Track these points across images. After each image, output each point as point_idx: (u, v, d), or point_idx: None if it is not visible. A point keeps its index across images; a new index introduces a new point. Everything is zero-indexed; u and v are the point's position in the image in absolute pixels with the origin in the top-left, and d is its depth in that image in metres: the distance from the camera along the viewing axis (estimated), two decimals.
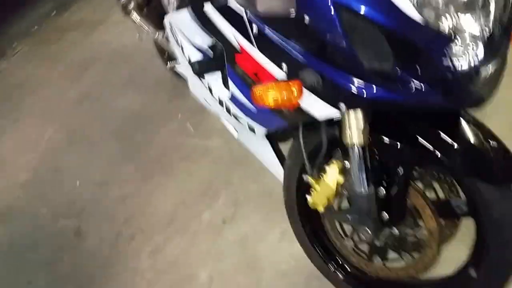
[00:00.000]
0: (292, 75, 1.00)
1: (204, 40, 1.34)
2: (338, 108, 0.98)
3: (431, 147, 1.01)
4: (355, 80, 0.91)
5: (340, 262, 1.38)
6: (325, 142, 1.16)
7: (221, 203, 1.84)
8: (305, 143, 1.22)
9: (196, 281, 1.61)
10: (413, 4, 0.81)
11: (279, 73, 1.03)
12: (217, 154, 2.04)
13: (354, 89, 0.92)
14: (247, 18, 1.05)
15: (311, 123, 1.17)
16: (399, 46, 0.85)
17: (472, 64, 0.86)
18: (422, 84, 0.88)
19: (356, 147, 1.06)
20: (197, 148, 2.11)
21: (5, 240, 1.87)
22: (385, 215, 1.12)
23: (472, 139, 1.03)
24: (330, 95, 0.98)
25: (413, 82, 0.88)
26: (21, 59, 3.09)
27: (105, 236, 1.83)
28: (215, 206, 1.84)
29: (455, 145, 1.00)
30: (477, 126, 1.06)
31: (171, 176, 2.01)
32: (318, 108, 1.02)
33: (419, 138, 1.04)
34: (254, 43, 1.08)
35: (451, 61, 0.84)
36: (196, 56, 1.38)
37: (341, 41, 0.87)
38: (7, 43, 3.22)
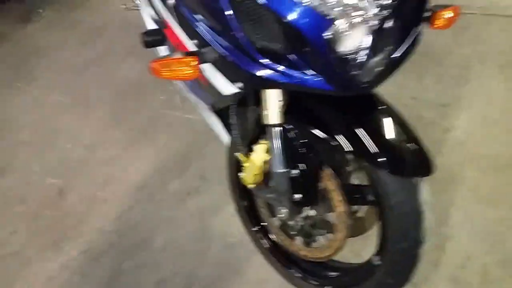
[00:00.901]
0: (199, 50, 1.02)
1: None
2: (236, 85, 1.00)
3: (339, 138, 1.02)
4: (247, 59, 0.92)
5: (271, 240, 1.42)
6: (251, 121, 1.19)
7: (190, 175, 1.91)
8: (238, 120, 1.24)
9: (151, 245, 1.70)
10: None
11: (192, 47, 1.06)
12: (196, 128, 2.10)
13: (247, 68, 0.93)
14: None
15: (242, 101, 1.20)
16: (285, 28, 0.84)
17: (352, 50, 0.85)
18: (307, 68, 0.88)
19: (272, 127, 1.08)
20: (180, 120, 2.18)
21: None
22: (298, 195, 1.14)
23: (384, 130, 1.02)
24: (228, 73, 1.01)
25: (300, 65, 0.88)
26: (44, 25, 3.25)
27: (83, 197, 1.96)
28: (183, 177, 1.91)
29: (363, 134, 0.99)
30: (392, 116, 1.04)
31: (151, 146, 2.10)
32: (223, 84, 1.05)
33: (330, 127, 1.05)
34: (172, 17, 1.11)
35: (330, 45, 0.84)
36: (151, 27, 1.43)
37: (231, 19, 0.89)
38: (33, 8, 3.39)
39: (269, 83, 0.92)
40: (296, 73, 0.89)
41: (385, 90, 1.62)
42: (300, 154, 1.11)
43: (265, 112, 1.06)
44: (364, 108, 1.05)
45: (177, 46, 1.21)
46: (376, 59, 0.88)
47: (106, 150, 2.15)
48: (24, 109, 2.51)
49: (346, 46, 0.85)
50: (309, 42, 0.83)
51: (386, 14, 0.85)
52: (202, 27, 1.00)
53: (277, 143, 1.08)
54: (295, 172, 1.11)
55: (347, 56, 0.85)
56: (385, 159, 0.97)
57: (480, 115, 1.95)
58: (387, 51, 0.89)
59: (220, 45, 0.95)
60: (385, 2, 0.85)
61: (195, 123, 2.12)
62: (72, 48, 2.94)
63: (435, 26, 1.05)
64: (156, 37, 1.31)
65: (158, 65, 0.98)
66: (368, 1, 0.83)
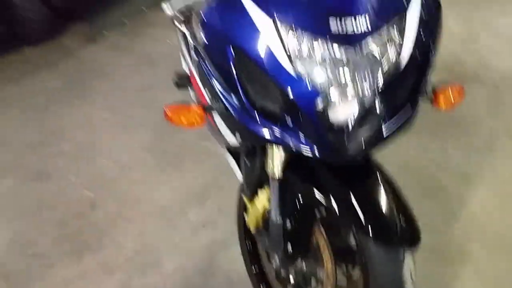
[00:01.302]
0: (209, 101, 1.13)
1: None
2: (236, 137, 1.09)
3: (330, 201, 1.07)
4: (246, 115, 0.99)
5: (268, 285, 1.49)
6: (257, 167, 1.27)
7: (209, 207, 2.03)
8: (246, 165, 1.34)
9: (161, 267, 1.82)
10: (287, 56, 0.88)
11: (205, 97, 1.18)
12: (223, 161, 2.22)
13: (243, 123, 1.00)
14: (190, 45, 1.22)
15: (250, 147, 1.29)
16: (281, 94, 0.91)
17: (340, 123, 0.91)
18: (299, 132, 0.95)
19: (273, 178, 1.15)
20: (209, 152, 2.32)
21: (34, 196, 2.24)
22: (290, 247, 1.21)
23: (374, 197, 1.07)
24: (229, 124, 1.10)
25: (293, 128, 0.95)
26: (106, 46, 3.53)
27: (110, 213, 2.11)
28: (202, 208, 2.03)
29: (353, 199, 1.05)
30: (388, 185, 1.10)
31: (179, 173, 2.25)
32: (227, 134, 1.15)
33: (325, 188, 1.11)
34: (192, 67, 1.24)
35: (320, 116, 0.90)
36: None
37: (234, 79, 0.96)
38: (99, 30, 3.70)
39: (264, 140, 0.99)
40: (289, 135, 0.95)
41: (407, 151, 1.69)
42: (296, 209, 1.18)
43: (268, 163, 1.14)
44: (359, 172, 1.10)
45: (197, 94, 1.33)
46: (364, 133, 0.94)
47: (138, 172, 2.31)
48: (73, 123, 2.74)
49: (335, 118, 0.91)
50: (301, 111, 0.91)
51: (376, 93, 0.91)
52: (213, 81, 1.07)
53: (275, 196, 1.16)
54: (289, 225, 1.18)
55: (335, 128, 0.91)
56: (369, 226, 1.01)
57: (499, 191, 1.95)
58: (375, 127, 0.94)
59: (226, 99, 1.02)
60: (377, 82, 0.90)
61: (220, 156, 2.25)
62: (128, 72, 3.18)
63: (437, 106, 1.09)
64: (184, 81, 1.44)
65: (168, 109, 1.08)
66: (359, 79, 0.89)
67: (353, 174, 1.10)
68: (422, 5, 0.97)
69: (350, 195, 1.05)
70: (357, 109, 0.91)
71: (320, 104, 0.89)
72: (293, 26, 0.87)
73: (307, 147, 0.95)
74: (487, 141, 2.20)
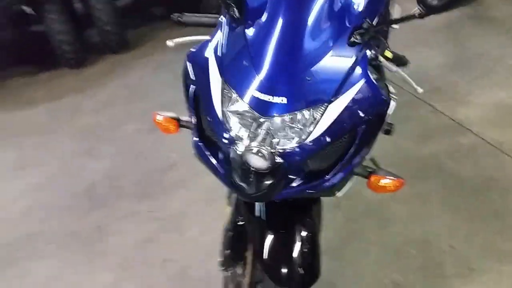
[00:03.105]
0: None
1: None
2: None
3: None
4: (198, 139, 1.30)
5: None
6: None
7: None
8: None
9: None
10: (219, 111, 1.17)
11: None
12: None
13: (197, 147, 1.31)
14: None
15: None
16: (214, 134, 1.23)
17: (245, 168, 1.13)
18: (222, 168, 1.23)
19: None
20: None
21: (140, 146, 2.94)
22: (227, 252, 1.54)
23: (290, 244, 1.30)
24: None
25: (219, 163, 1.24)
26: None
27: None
28: None
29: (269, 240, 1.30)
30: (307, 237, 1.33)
31: None
32: None
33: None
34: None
35: (231, 159, 1.15)
36: None
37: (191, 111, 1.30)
38: None
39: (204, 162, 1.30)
40: (222, 170, 1.24)
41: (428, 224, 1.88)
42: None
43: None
44: (293, 215, 1.34)
45: None
46: (266, 183, 1.14)
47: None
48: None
49: (242, 164, 1.13)
50: (222, 150, 1.21)
51: (282, 156, 1.11)
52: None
53: (232, 210, 1.50)
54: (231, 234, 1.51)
55: (241, 173, 1.15)
56: (269, 267, 1.28)
57: None
58: (276, 181, 1.14)
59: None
60: (284, 148, 1.12)
61: None
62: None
63: (371, 189, 1.26)
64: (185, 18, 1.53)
65: (155, 115, 1.41)
66: (267, 141, 1.11)
67: (290, 213, 1.34)
68: (357, 101, 1.13)
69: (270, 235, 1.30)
70: (261, 163, 1.11)
71: (231, 150, 1.15)
72: (232, 86, 1.16)
73: (226, 181, 1.22)
74: None
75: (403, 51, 1.33)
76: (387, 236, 2.13)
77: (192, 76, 1.29)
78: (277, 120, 1.12)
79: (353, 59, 1.18)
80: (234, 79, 1.18)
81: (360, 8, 1.28)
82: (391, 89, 1.29)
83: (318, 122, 1.12)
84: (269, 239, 1.31)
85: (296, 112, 1.12)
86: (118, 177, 2.73)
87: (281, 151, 1.12)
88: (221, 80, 1.20)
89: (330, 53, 1.18)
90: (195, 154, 1.32)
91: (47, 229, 2.44)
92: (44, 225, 2.47)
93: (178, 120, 1.43)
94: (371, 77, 1.17)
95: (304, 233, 1.32)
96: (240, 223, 1.51)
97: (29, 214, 2.57)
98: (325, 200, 2.06)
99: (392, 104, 1.24)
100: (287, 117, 1.12)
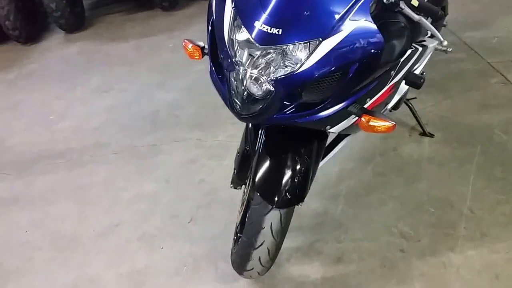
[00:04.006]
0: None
1: None
2: None
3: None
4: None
5: None
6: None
7: None
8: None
9: None
10: (227, 38, 1.30)
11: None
12: None
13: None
14: None
15: None
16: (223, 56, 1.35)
17: (236, 90, 1.30)
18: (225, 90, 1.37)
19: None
20: None
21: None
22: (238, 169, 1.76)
23: (277, 165, 1.45)
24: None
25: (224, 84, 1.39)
26: None
27: None
28: None
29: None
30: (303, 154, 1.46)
31: None
32: None
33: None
34: None
35: (231, 79, 1.32)
36: None
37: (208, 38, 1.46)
38: None
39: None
40: (225, 91, 1.38)
41: (456, 187, 2.18)
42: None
43: None
44: (288, 146, 1.46)
45: None
46: (257, 106, 1.27)
47: None
48: None
49: (240, 86, 1.28)
50: (225, 70, 1.34)
51: (273, 82, 1.22)
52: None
53: (244, 133, 1.69)
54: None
55: (237, 93, 1.30)
56: (259, 184, 1.42)
57: None
58: (267, 104, 1.26)
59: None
60: (276, 74, 1.22)
61: None
62: None
63: (361, 127, 1.31)
64: None
65: (186, 42, 1.58)
66: (263, 67, 1.22)
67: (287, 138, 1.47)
68: (351, 40, 1.17)
69: (261, 159, 1.46)
70: (256, 89, 1.25)
71: (232, 74, 1.30)
72: (240, 16, 1.27)
73: (226, 102, 1.37)
74: None
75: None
76: (410, 192, 2.16)
77: (213, 7, 1.41)
78: (272, 49, 1.21)
79: None
80: (243, 10, 1.28)
81: None
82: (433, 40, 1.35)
83: (310, 55, 1.19)
84: (263, 163, 1.46)
85: (289, 44, 1.20)
86: (178, 108, 3.04)
87: (274, 79, 1.22)
88: (232, 10, 1.31)
89: None
90: (211, 78, 1.46)
91: (113, 142, 2.82)
92: (111, 138, 2.86)
93: (202, 48, 1.58)
94: (369, 18, 1.19)
95: (297, 165, 1.44)
96: (248, 148, 1.69)
97: (101, 128, 2.99)
98: (357, 154, 2.16)
99: (419, 52, 1.31)
100: (280, 47, 1.20)
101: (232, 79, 1.31)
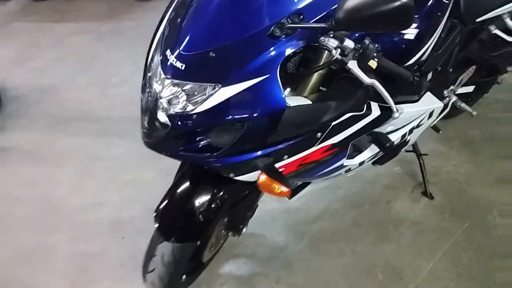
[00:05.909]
0: None
1: None
2: None
3: None
4: None
5: None
6: None
7: None
8: None
9: None
10: (150, 56, 1.28)
11: None
12: None
13: None
14: None
15: None
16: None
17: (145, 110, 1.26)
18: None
19: None
20: None
21: None
22: None
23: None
24: None
25: None
26: None
27: None
28: None
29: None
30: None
31: None
32: None
33: None
34: None
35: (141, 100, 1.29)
36: None
37: None
38: None
39: None
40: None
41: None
42: None
43: None
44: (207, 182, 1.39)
45: None
46: (158, 138, 1.22)
47: None
48: None
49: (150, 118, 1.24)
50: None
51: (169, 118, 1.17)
52: None
53: None
54: None
55: (143, 117, 1.26)
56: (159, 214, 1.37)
57: None
58: (167, 140, 1.21)
59: None
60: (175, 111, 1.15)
61: None
62: None
63: (258, 183, 1.23)
64: None
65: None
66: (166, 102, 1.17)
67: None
68: (250, 94, 1.09)
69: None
70: (160, 115, 1.20)
71: (142, 93, 1.27)
72: (163, 39, 1.26)
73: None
74: None
75: None
76: (372, 252, 1.98)
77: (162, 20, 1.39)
78: (171, 82, 1.16)
79: (268, 51, 1.10)
80: (167, 35, 1.27)
81: (296, 5, 1.14)
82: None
83: (206, 99, 1.12)
84: (173, 191, 1.41)
85: (188, 82, 1.14)
86: None
87: (173, 113, 1.17)
88: (164, 29, 1.30)
89: (246, 38, 1.12)
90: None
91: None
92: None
93: None
94: (276, 75, 1.09)
95: (206, 205, 1.36)
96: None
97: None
98: (350, 197, 2.27)
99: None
100: (177, 82, 1.16)
101: (141, 99, 1.29)
